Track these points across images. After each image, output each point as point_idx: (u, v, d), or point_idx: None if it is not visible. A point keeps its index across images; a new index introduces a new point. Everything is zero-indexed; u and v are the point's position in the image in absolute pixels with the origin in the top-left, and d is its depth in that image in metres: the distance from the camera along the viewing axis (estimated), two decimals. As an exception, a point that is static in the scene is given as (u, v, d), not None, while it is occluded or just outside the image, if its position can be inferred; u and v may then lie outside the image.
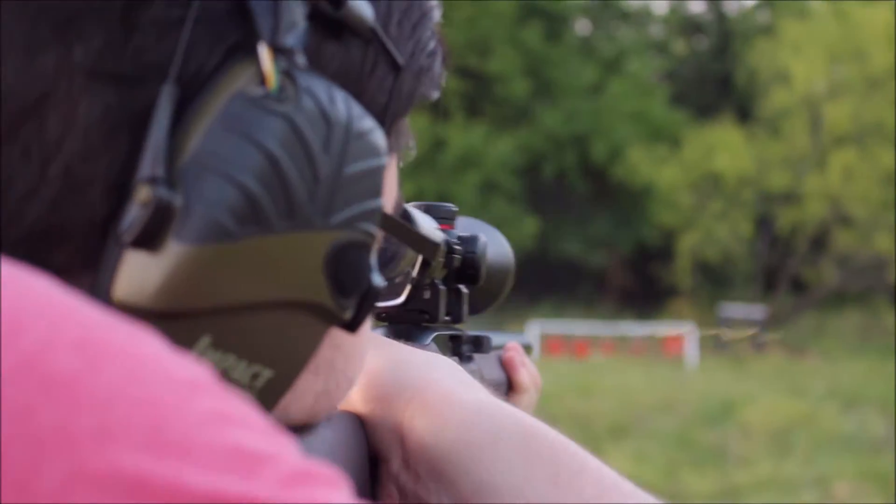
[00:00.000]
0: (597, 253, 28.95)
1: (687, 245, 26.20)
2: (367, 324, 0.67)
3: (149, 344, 0.44)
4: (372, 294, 0.58)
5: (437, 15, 0.64)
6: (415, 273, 0.81)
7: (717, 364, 18.22)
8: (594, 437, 9.78)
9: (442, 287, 0.91)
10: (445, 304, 0.92)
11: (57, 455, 0.38)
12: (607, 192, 29.01)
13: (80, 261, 0.52)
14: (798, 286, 27.18)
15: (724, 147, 25.67)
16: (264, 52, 0.51)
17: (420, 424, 0.71)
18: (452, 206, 0.91)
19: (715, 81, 33.35)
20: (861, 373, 15.60)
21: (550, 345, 20.10)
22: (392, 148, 0.62)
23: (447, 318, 0.94)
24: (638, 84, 29.70)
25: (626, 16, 33.30)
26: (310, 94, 0.52)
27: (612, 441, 9.81)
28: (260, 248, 0.51)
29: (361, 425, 0.75)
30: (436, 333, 0.92)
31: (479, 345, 1.00)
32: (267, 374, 0.56)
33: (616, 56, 30.67)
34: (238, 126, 0.51)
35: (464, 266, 0.91)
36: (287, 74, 0.52)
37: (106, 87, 0.51)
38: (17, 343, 0.40)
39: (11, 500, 0.37)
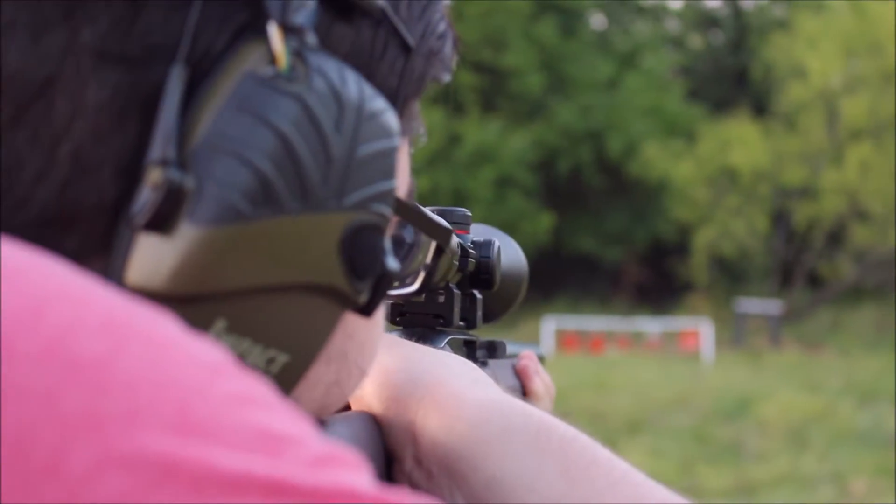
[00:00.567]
0: (612, 248, 28.90)
1: (703, 240, 26.14)
2: (381, 314, 0.67)
3: (169, 326, 0.44)
4: (387, 277, 0.57)
5: None
6: (428, 259, 0.80)
7: (733, 359, 18.19)
8: (609, 432, 9.77)
9: (456, 291, 0.90)
10: (460, 308, 0.92)
11: (85, 438, 0.38)
12: (623, 188, 28.97)
13: (91, 245, 0.52)
14: (814, 281, 27.10)
15: (740, 142, 25.60)
16: (274, 32, 0.51)
17: (432, 422, 0.71)
18: (467, 212, 0.91)
19: (731, 76, 33.27)
20: (877, 368, 15.55)
21: (566, 340, 20.10)
22: (403, 131, 0.62)
23: (461, 323, 0.93)
24: (653, 79, 29.63)
25: (641, 10, 33.23)
26: (321, 74, 0.52)
27: (627, 437, 9.80)
28: (273, 230, 0.51)
29: (377, 425, 0.74)
30: (450, 337, 0.91)
31: (493, 350, 1.00)
32: (282, 359, 0.55)
33: (631, 51, 30.60)
34: (249, 106, 0.50)
35: (478, 271, 0.91)
36: (298, 54, 0.51)
37: (114, 69, 0.51)
38: (41, 327, 0.40)
39: (42, 483, 0.37)
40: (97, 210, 0.51)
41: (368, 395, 0.76)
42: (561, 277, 28.70)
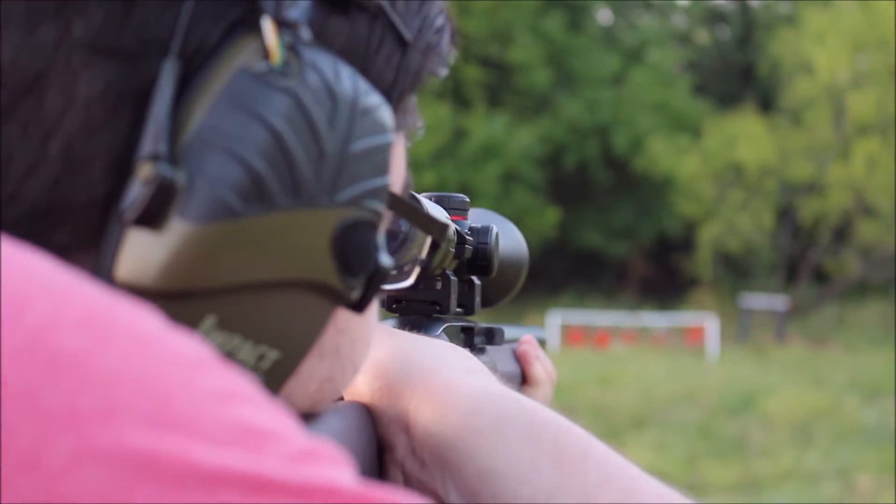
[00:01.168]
0: (618, 243, 28.89)
1: (708, 235, 26.11)
2: (374, 309, 0.67)
3: (152, 321, 0.43)
4: (379, 274, 0.57)
5: None
6: (423, 255, 0.79)
7: (739, 355, 18.18)
8: (615, 427, 9.77)
9: (453, 278, 0.90)
10: (457, 295, 0.91)
11: (64, 432, 0.38)
12: (629, 183, 28.94)
13: (82, 240, 0.51)
14: (820, 277, 27.07)
15: (747, 137, 25.55)
16: (268, 26, 0.51)
17: (425, 412, 0.71)
18: (465, 197, 0.91)
19: (737, 71, 33.22)
20: (883, 364, 15.52)
21: (571, 335, 20.09)
22: (399, 126, 0.62)
23: (459, 309, 0.93)
24: (660, 74, 29.59)
25: (648, 5, 33.17)
26: (315, 69, 0.52)
27: (632, 432, 9.80)
28: (265, 227, 0.50)
29: (369, 415, 0.74)
30: (446, 324, 0.91)
31: (491, 337, 1.00)
32: (273, 355, 0.55)
33: (638, 46, 30.57)
34: (242, 102, 0.50)
35: (475, 257, 0.91)
36: (291, 49, 0.51)
37: (106, 63, 0.50)
38: (22, 321, 0.40)
39: (21, 477, 0.37)
40: (88, 205, 0.51)
41: (361, 386, 0.75)
42: (566, 272, 28.69)
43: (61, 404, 0.38)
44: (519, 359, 1.02)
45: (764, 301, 22.74)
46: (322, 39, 0.54)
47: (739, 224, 25.87)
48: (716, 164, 26.09)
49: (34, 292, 0.42)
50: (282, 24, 0.51)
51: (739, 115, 26.82)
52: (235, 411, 0.42)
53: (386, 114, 0.55)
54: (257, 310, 0.53)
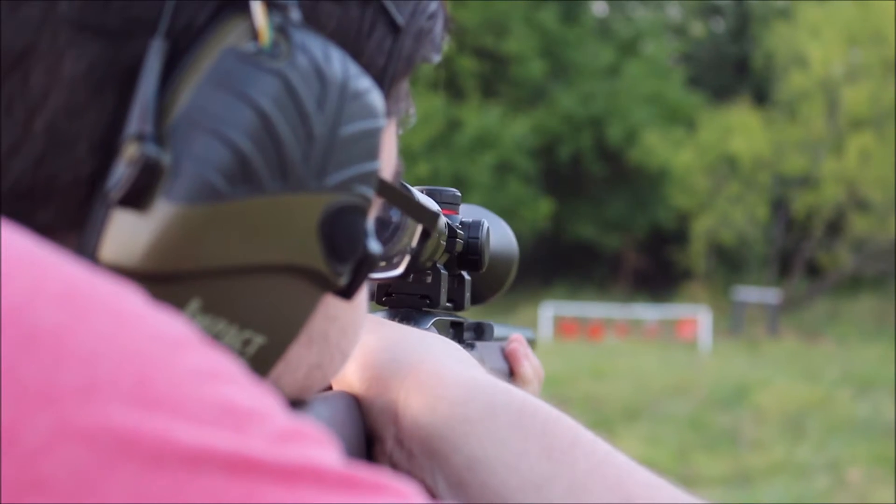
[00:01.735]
0: (612, 235, 28.92)
1: (702, 228, 26.15)
2: (364, 297, 0.66)
3: (133, 299, 0.43)
4: (368, 260, 0.56)
5: None
6: (413, 244, 0.79)
7: (731, 348, 18.21)
8: (607, 419, 9.78)
9: (444, 272, 0.90)
10: (447, 289, 0.91)
11: (43, 409, 0.37)
12: (623, 175, 28.97)
13: (65, 220, 0.51)
14: (813, 270, 27.12)
15: (741, 130, 25.58)
16: (257, 7, 0.50)
17: (414, 402, 0.71)
18: (456, 192, 0.90)
19: (732, 64, 33.24)
20: (875, 358, 15.57)
21: (564, 327, 20.12)
22: (390, 112, 0.61)
23: (449, 304, 0.92)
24: (654, 66, 29.61)
25: (643, -3, 33.18)
26: (304, 50, 0.51)
27: (625, 424, 9.81)
28: (251, 210, 0.50)
29: (357, 405, 0.74)
30: (436, 318, 0.90)
31: (481, 332, 0.99)
32: (259, 340, 0.54)
33: (633, 38, 30.57)
34: (229, 83, 0.49)
35: (466, 251, 0.90)
36: (281, 30, 0.51)
37: (92, 41, 0.50)
38: (1, 298, 0.39)
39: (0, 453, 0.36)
40: (72, 185, 0.50)
41: (349, 375, 0.75)
42: (560, 264, 28.72)
43: (40, 381, 0.38)
44: (508, 357, 1.02)
45: (757, 294, 22.78)
46: (313, 22, 0.53)
47: (733, 217, 25.90)
48: (710, 157, 26.12)
49: (13, 267, 0.41)
50: (271, 5, 0.50)
51: (734, 107, 26.85)
52: (218, 390, 0.41)
53: (376, 98, 0.55)
54: (243, 294, 0.52)
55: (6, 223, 0.44)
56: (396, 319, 0.85)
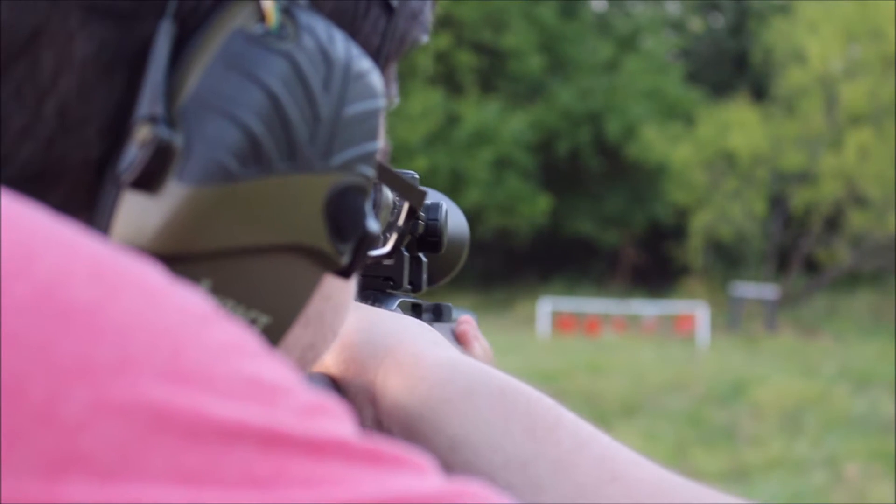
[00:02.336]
0: (610, 231, 28.93)
1: (700, 224, 26.16)
2: (355, 277, 0.66)
3: (158, 275, 0.43)
4: (368, 239, 0.56)
5: None
6: (400, 222, 0.79)
7: (729, 343, 18.23)
8: (604, 415, 9.79)
9: (406, 254, 0.90)
10: (408, 271, 0.91)
11: (78, 385, 0.37)
12: (621, 170, 28.97)
13: (75, 203, 0.51)
14: (811, 266, 27.13)
15: (739, 126, 25.59)
16: None
17: (393, 383, 0.71)
18: (414, 174, 0.91)
19: (730, 60, 33.23)
20: (873, 353, 15.59)
21: (562, 322, 20.13)
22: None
23: (408, 286, 0.93)
24: (653, 62, 29.61)
25: (642, -7, 33.16)
26: (310, 32, 0.51)
27: (622, 419, 9.82)
28: (260, 190, 0.50)
29: (335, 387, 0.74)
30: (400, 300, 0.91)
31: (439, 314, 1.00)
32: (264, 320, 0.55)
33: (631, 33, 30.57)
34: (239, 64, 0.50)
35: (426, 233, 0.90)
36: (287, 12, 0.51)
37: (102, 23, 0.50)
38: (30, 275, 0.39)
39: (37, 429, 0.37)
40: (81, 167, 0.51)
41: (326, 357, 0.75)
42: (558, 259, 28.73)
43: (75, 357, 0.38)
44: (458, 338, 1.02)
45: (754, 290, 22.78)
46: (312, 4, 0.54)
47: (731, 212, 25.91)
48: (708, 153, 26.12)
49: (41, 245, 0.41)
50: None
51: (732, 103, 26.85)
52: (246, 365, 0.41)
53: (377, 79, 0.55)
54: (251, 274, 0.53)
55: (29, 204, 0.44)
56: (369, 302, 0.85)
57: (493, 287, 26.57)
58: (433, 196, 0.98)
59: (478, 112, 26.69)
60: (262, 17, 0.51)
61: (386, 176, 0.65)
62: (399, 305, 0.90)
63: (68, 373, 0.38)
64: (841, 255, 25.88)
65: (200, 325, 0.42)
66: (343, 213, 0.54)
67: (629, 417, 9.99)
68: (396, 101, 0.66)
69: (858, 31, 24.81)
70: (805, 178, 25.23)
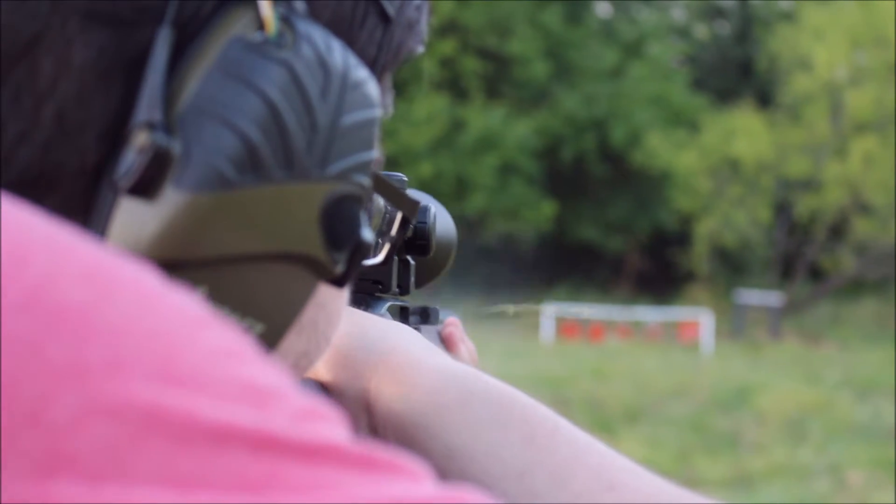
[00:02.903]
0: (614, 237, 28.92)
1: (704, 230, 26.13)
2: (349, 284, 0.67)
3: (152, 279, 0.43)
4: (363, 249, 0.56)
5: None
6: (394, 232, 0.78)
7: (733, 350, 18.20)
8: (608, 421, 9.78)
9: (394, 257, 0.90)
10: (397, 275, 0.91)
11: (69, 387, 0.37)
12: (626, 177, 28.95)
13: (71, 208, 0.51)
14: (815, 273, 27.09)
15: (744, 132, 25.55)
16: None
17: (388, 391, 0.71)
18: (402, 177, 0.91)
19: (736, 66, 33.22)
20: (877, 361, 15.56)
21: (566, 328, 20.11)
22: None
23: (396, 289, 0.93)
24: (658, 68, 29.60)
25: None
26: (308, 40, 0.52)
27: (625, 426, 9.81)
28: (257, 198, 0.50)
29: (326, 394, 0.74)
30: (389, 303, 0.91)
31: (426, 317, 1.00)
32: (259, 327, 0.55)
33: (637, 40, 30.56)
34: (237, 71, 0.50)
35: (414, 236, 0.90)
36: (285, 20, 0.51)
37: (101, 29, 0.50)
38: (22, 276, 0.39)
39: (27, 430, 0.37)
40: (79, 172, 0.51)
41: (318, 364, 0.75)
42: (562, 265, 28.71)
43: (66, 358, 0.38)
44: (444, 341, 1.02)
45: (759, 297, 22.76)
46: (309, 12, 0.54)
47: (736, 219, 25.87)
48: (713, 159, 26.08)
49: (34, 245, 0.41)
50: None
51: (737, 110, 26.81)
52: (239, 368, 0.41)
53: (373, 88, 0.55)
54: (246, 282, 0.53)
55: (23, 206, 0.44)
56: (358, 306, 0.85)
57: (498, 293, 26.56)
58: (421, 199, 0.98)
59: (483, 118, 26.68)
60: (260, 24, 0.51)
61: (379, 185, 0.65)
62: (388, 309, 0.91)
63: (59, 374, 0.37)
64: (845, 262, 25.84)
65: (194, 329, 0.41)
66: (338, 222, 0.55)
67: (633, 424, 9.98)
68: (392, 110, 0.66)
69: (864, 39, 24.80)
70: (810, 185, 25.20)
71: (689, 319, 20.92)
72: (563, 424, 0.67)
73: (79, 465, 0.37)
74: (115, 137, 0.50)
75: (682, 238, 27.71)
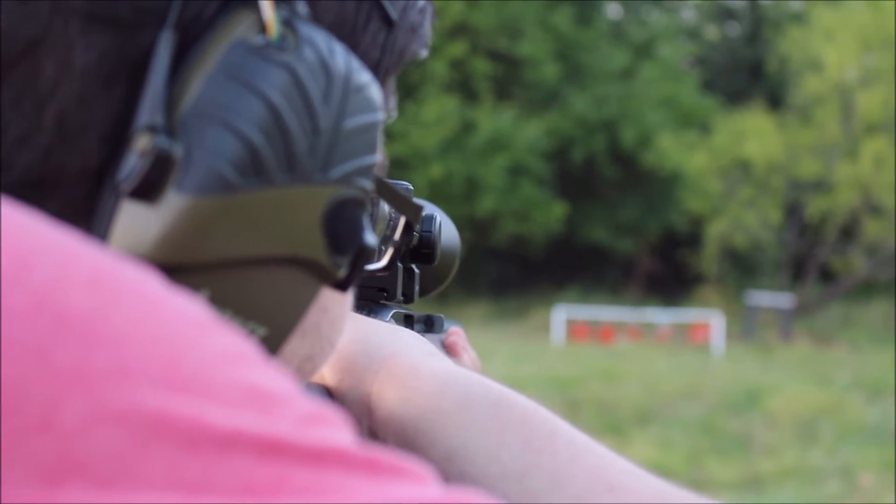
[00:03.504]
0: (624, 239, 28.88)
1: (715, 232, 26.09)
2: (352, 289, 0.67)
3: (157, 284, 0.43)
4: (365, 253, 0.56)
5: None
6: (397, 237, 0.78)
7: (744, 352, 18.17)
8: (618, 423, 9.77)
9: (399, 265, 0.90)
10: (402, 282, 0.92)
11: (77, 392, 0.37)
12: (636, 178, 28.92)
13: (72, 211, 0.51)
14: (826, 275, 27.04)
15: (755, 134, 25.51)
16: (265, 0, 0.51)
17: (389, 394, 0.71)
18: (408, 185, 0.91)
19: (746, 68, 33.18)
20: (888, 363, 15.51)
21: (576, 330, 20.10)
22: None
23: (401, 298, 0.93)
24: (668, 69, 29.56)
25: (657, 0, 33.12)
26: (310, 44, 0.51)
27: (636, 427, 9.80)
28: (259, 202, 0.50)
29: (330, 397, 0.74)
30: (394, 311, 0.92)
31: (431, 325, 1.00)
32: (261, 331, 0.55)
33: (647, 41, 30.53)
34: (239, 75, 0.50)
35: (420, 245, 0.90)
36: (288, 24, 0.51)
37: (102, 32, 0.50)
38: (28, 282, 0.39)
39: (34, 437, 0.37)
40: (79, 176, 0.51)
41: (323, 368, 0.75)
42: (572, 267, 28.69)
43: (73, 364, 0.38)
44: (447, 349, 1.02)
45: (769, 299, 22.72)
46: (312, 15, 0.54)
47: (746, 221, 25.84)
48: (723, 161, 26.05)
49: (39, 252, 0.41)
50: None
51: (748, 111, 26.77)
52: (244, 373, 0.41)
53: (376, 92, 0.55)
54: (248, 286, 0.53)
55: (27, 211, 0.44)
56: (364, 313, 0.86)
57: (508, 294, 26.55)
58: (427, 208, 0.98)
59: (493, 119, 26.67)
60: (263, 28, 0.51)
61: (383, 190, 0.65)
62: (393, 317, 0.91)
63: (66, 380, 0.38)
64: (856, 263, 25.79)
65: (199, 334, 0.41)
66: (341, 226, 0.55)
67: (643, 426, 9.97)
68: (395, 114, 0.66)
69: (874, 40, 24.74)
70: (820, 186, 25.15)
71: (700, 321, 20.90)
72: (562, 426, 0.68)
73: (87, 471, 0.37)
74: (117, 141, 0.50)
75: (692, 239, 27.67)
